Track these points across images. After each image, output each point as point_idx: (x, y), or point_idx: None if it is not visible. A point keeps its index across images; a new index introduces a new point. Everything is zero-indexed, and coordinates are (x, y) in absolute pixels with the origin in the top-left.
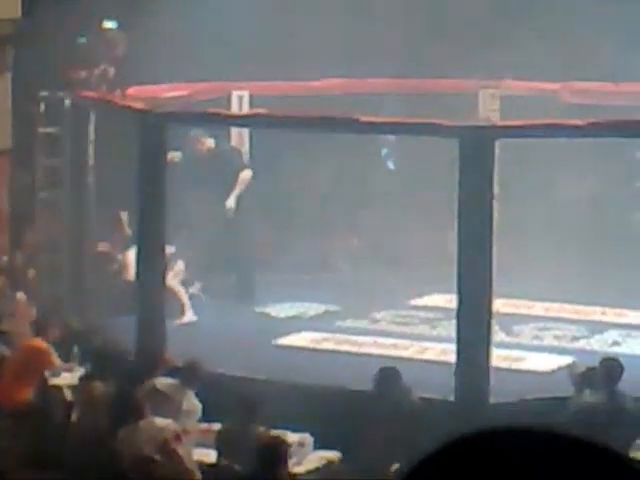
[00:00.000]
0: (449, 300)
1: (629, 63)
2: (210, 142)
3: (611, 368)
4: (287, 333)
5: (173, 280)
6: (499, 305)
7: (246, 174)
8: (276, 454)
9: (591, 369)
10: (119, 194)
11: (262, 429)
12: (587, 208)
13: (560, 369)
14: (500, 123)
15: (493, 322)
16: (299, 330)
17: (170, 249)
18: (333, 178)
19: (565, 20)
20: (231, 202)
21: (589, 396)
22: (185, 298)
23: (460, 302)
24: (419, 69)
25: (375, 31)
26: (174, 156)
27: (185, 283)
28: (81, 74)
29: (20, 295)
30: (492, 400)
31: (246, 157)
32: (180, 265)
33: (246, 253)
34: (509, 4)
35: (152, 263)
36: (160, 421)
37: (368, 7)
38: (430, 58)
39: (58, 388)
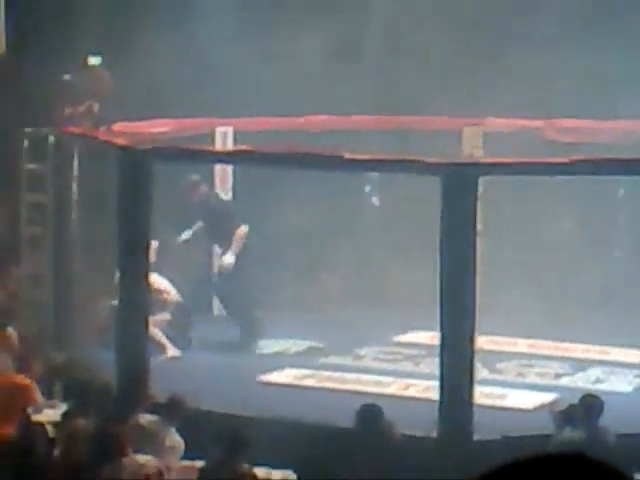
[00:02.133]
0: (432, 337)
1: (613, 101)
2: (205, 188)
3: (591, 405)
4: (271, 369)
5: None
6: (482, 342)
7: (242, 230)
8: None
9: (572, 406)
10: (104, 230)
11: (245, 466)
12: (570, 245)
13: (543, 406)
14: (483, 160)
15: (476, 359)
16: (283, 367)
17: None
18: (316, 215)
19: (548, 57)
20: (230, 259)
21: (570, 433)
22: (163, 339)
23: (443, 339)
24: (402, 106)
25: (358, 69)
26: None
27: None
28: (66, 110)
29: (10, 331)
30: (475, 437)
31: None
32: (166, 316)
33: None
34: (492, 41)
35: (134, 299)
36: (142, 458)
37: (350, 45)
38: (413, 95)
39: (40, 424)
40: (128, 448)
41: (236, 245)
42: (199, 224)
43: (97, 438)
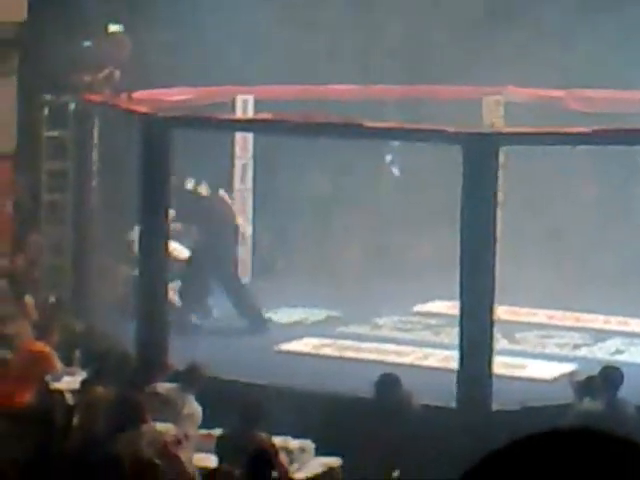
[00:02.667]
0: (452, 306)
1: (634, 70)
2: (204, 190)
3: (611, 376)
4: (289, 339)
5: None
6: (502, 312)
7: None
8: (263, 459)
9: (591, 377)
10: (124, 197)
11: (262, 435)
12: (591, 215)
13: (562, 377)
14: (504, 130)
15: (495, 329)
16: (301, 336)
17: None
18: (336, 184)
19: (570, 26)
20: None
21: (589, 404)
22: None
23: (462, 309)
24: (423, 75)
25: (379, 38)
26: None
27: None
28: (86, 78)
29: (28, 298)
30: (494, 407)
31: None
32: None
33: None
34: (513, 9)
35: (154, 266)
36: (161, 425)
37: (371, 14)
38: (434, 65)
39: (59, 392)
40: (147, 416)
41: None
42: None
43: (116, 405)
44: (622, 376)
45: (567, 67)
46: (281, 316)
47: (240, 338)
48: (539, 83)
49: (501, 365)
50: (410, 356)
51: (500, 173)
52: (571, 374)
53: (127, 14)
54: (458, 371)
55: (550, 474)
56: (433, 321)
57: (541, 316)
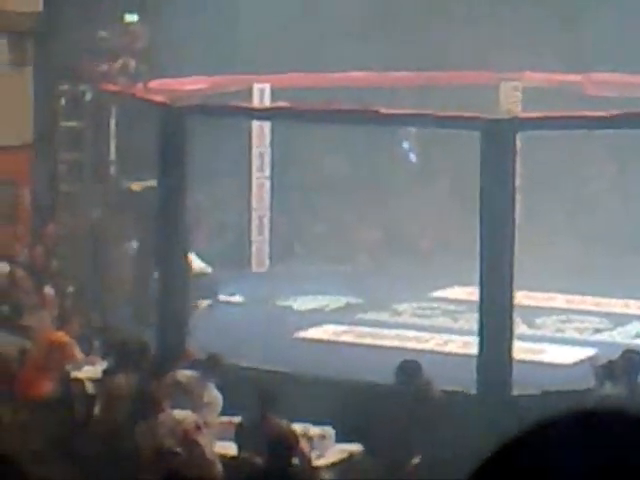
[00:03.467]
0: (471, 292)
1: None
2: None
3: (631, 360)
4: (309, 326)
5: None
6: (521, 297)
7: None
8: (286, 446)
9: (612, 362)
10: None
11: (282, 422)
12: (609, 200)
13: (582, 361)
14: (521, 115)
15: (515, 314)
16: (321, 323)
17: None
18: (354, 171)
19: (587, 11)
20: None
21: (610, 388)
22: None
23: (482, 294)
24: (440, 62)
25: (396, 25)
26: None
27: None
28: (102, 67)
29: (47, 289)
30: (514, 392)
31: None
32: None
33: None
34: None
35: (173, 255)
36: (180, 413)
37: (388, 2)
38: (450, 51)
39: (80, 381)
40: (164, 404)
41: None
42: None
43: (134, 395)
44: None
45: (584, 50)
46: (300, 303)
47: (259, 325)
48: (556, 66)
49: (521, 350)
50: (430, 342)
51: (518, 158)
52: (591, 359)
53: (142, 3)
54: (478, 357)
55: (577, 457)
56: (452, 307)
57: (560, 301)
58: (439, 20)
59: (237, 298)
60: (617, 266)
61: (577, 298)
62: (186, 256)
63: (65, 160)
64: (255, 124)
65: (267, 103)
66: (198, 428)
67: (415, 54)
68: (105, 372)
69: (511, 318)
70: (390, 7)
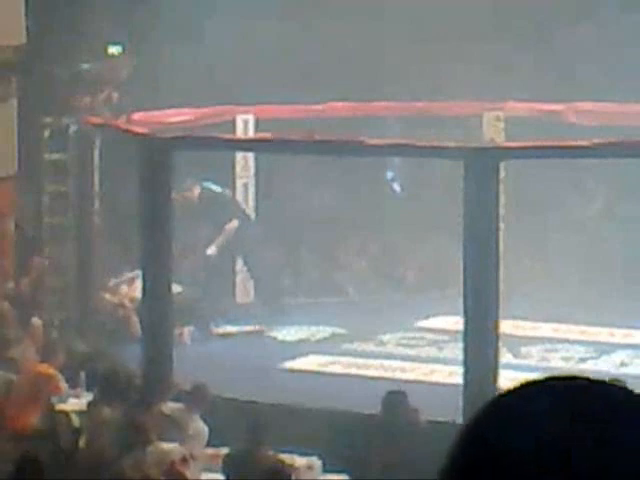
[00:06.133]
0: (456, 322)
1: (633, 83)
2: (197, 189)
3: None
4: (295, 356)
5: None
6: (506, 326)
7: (232, 225)
8: (280, 478)
9: None
10: (125, 219)
11: (270, 453)
12: (592, 228)
13: None
14: (504, 144)
15: (500, 344)
16: (307, 353)
17: None
18: (339, 201)
19: (568, 41)
20: (212, 250)
21: None
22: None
23: (467, 324)
24: (423, 92)
25: (378, 54)
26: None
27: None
28: (85, 100)
29: (35, 320)
30: None
31: (237, 203)
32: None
33: None
34: (512, 26)
35: (158, 287)
36: (167, 446)
37: (371, 30)
38: (434, 81)
39: (65, 413)
40: (152, 436)
41: (223, 237)
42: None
43: (121, 426)
44: None
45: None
46: (286, 334)
47: (245, 356)
48: (539, 96)
49: (507, 379)
50: (415, 372)
51: (501, 187)
52: None
53: (126, 35)
54: (464, 386)
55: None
56: (438, 336)
57: (546, 329)
58: (424, 52)
59: (221, 329)
60: (602, 294)
61: (562, 327)
62: (170, 288)
63: (49, 192)
64: (239, 155)
65: (251, 134)
66: (185, 461)
67: (400, 86)
68: (90, 404)
69: (496, 347)
70: (374, 39)
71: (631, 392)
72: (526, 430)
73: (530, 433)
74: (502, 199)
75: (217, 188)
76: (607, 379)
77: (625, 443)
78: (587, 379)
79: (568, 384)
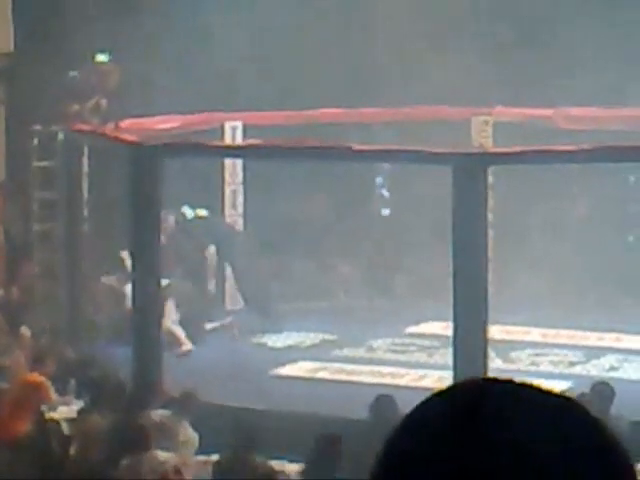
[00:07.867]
0: (445, 327)
1: (622, 88)
2: (172, 218)
3: (602, 392)
4: (284, 363)
5: (167, 322)
6: (495, 332)
7: (210, 251)
8: None
9: (583, 394)
10: (114, 226)
11: (260, 459)
12: (582, 233)
13: None
14: (492, 150)
15: (489, 349)
16: (296, 360)
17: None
18: (328, 208)
19: (558, 46)
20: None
21: None
22: (179, 332)
23: (456, 329)
24: (411, 97)
25: (368, 61)
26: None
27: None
28: (74, 107)
29: (24, 329)
30: None
31: (216, 221)
32: (170, 305)
33: None
34: (502, 32)
35: (148, 294)
36: (161, 454)
37: (361, 36)
38: (422, 85)
39: (55, 422)
40: (150, 442)
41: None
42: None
43: (120, 432)
44: (613, 392)
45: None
46: (275, 340)
47: (234, 362)
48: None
49: None
50: (405, 378)
51: (490, 193)
52: (565, 392)
53: (114, 43)
54: None
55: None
56: (427, 342)
57: (535, 334)
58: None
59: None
60: (591, 299)
61: (551, 332)
62: (160, 297)
63: (38, 199)
64: (227, 162)
65: (239, 141)
66: (177, 471)
67: (388, 91)
68: (80, 412)
69: (485, 352)
70: (363, 45)
71: (541, 392)
72: (420, 434)
73: (423, 437)
74: (490, 204)
75: (191, 213)
76: (596, 383)
77: (520, 442)
78: (495, 380)
79: (469, 387)
